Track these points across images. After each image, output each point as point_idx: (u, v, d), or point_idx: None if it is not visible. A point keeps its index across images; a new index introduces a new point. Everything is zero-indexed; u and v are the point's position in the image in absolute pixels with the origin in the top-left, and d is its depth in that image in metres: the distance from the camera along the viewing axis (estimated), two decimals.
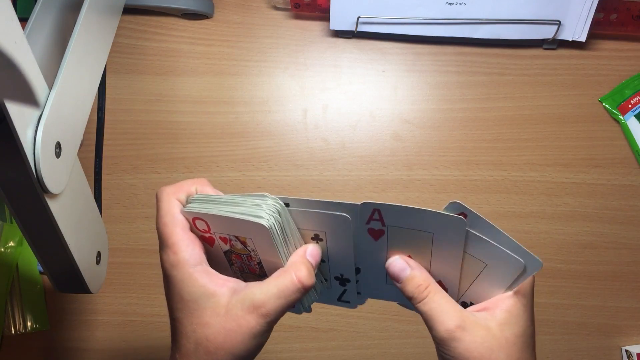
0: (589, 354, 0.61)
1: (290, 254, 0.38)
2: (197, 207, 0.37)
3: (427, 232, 0.36)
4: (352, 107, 0.62)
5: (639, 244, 0.61)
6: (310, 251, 0.37)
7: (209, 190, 0.38)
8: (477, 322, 0.34)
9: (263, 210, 0.36)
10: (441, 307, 0.34)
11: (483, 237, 0.37)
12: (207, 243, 0.38)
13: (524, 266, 0.36)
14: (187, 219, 0.36)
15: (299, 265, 0.35)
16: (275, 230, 0.36)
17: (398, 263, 0.36)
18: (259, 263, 0.39)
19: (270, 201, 0.36)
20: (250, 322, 0.33)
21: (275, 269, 0.37)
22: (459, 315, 0.34)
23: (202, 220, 0.37)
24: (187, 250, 0.34)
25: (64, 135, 0.39)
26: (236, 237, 0.37)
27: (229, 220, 0.36)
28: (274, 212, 0.36)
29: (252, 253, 0.38)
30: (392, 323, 0.60)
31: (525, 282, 0.36)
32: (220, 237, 0.38)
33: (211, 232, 0.38)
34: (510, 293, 0.36)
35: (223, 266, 0.39)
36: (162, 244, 0.35)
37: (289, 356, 0.60)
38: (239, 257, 0.39)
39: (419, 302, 0.35)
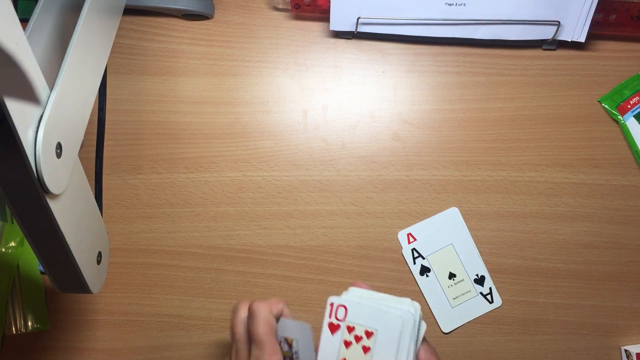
0: (588, 354, 0.61)
1: None
2: (349, 299, 0.48)
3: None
4: (352, 108, 0.63)
5: (638, 244, 0.62)
6: None
7: (287, 312, 0.48)
8: None
9: (404, 307, 0.47)
10: None
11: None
12: (329, 329, 0.48)
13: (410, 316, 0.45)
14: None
15: None
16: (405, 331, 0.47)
17: None
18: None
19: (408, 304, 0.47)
20: None
21: None
22: None
23: (344, 308, 0.48)
24: (279, 356, 0.44)
25: (65, 136, 0.39)
26: (366, 330, 0.47)
27: (371, 310, 0.47)
28: (411, 311, 0.47)
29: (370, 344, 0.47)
30: None
31: (430, 349, 0.47)
32: (347, 327, 0.48)
33: (345, 319, 0.48)
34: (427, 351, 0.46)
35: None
36: (261, 345, 0.44)
37: None
38: (349, 343, 0.48)
39: None
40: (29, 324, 0.60)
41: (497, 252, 0.61)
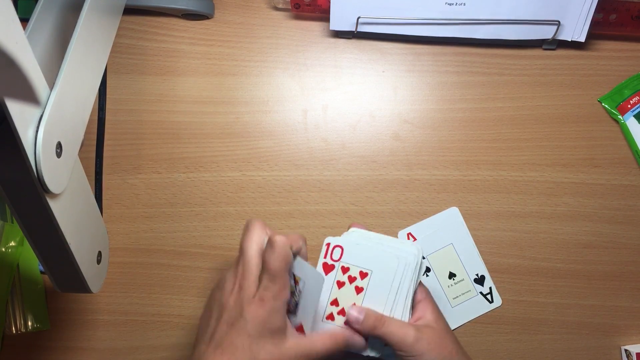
0: (588, 354, 0.61)
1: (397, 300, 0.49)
2: (347, 239, 0.49)
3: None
4: (352, 107, 0.63)
5: (638, 243, 0.62)
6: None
7: (305, 251, 0.48)
8: (423, 326, 0.48)
9: (408, 247, 0.48)
10: (399, 325, 0.47)
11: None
12: (323, 270, 0.50)
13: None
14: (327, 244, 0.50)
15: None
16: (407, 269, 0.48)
17: (354, 309, 0.48)
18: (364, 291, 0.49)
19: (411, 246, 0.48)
20: None
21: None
22: (412, 326, 0.47)
23: (340, 248, 0.49)
24: (287, 291, 0.44)
25: (65, 135, 0.39)
26: (361, 271, 0.48)
27: (368, 250, 0.48)
28: (415, 254, 0.48)
29: (364, 285, 0.49)
30: None
31: (424, 290, 0.50)
32: (342, 267, 0.49)
33: (340, 260, 0.49)
34: (426, 302, 0.49)
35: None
36: (274, 278, 0.43)
37: None
38: (342, 284, 0.49)
39: (382, 326, 0.47)
40: (29, 323, 0.60)
41: (497, 252, 0.61)
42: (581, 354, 0.61)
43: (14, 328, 0.59)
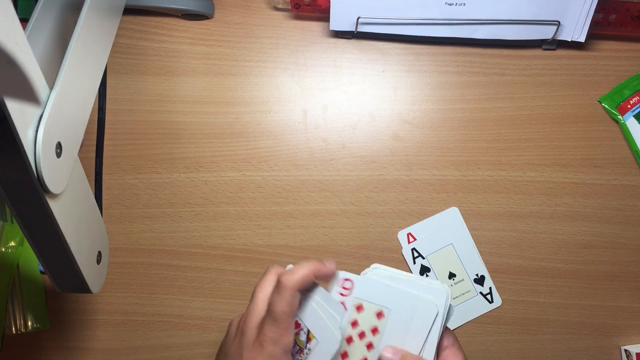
0: (588, 354, 0.61)
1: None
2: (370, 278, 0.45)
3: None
4: (352, 107, 0.63)
5: (638, 244, 0.62)
6: None
7: (324, 270, 0.45)
8: None
9: (435, 287, 0.43)
10: None
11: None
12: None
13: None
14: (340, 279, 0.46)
15: None
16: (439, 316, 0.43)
17: (388, 350, 0.44)
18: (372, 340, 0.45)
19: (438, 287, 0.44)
20: None
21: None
22: None
23: (350, 281, 0.45)
24: (290, 337, 0.42)
25: (65, 135, 0.39)
26: (379, 310, 0.44)
27: (389, 289, 0.44)
28: (443, 296, 0.43)
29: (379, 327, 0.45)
30: None
31: (451, 336, 0.46)
32: (356, 305, 0.45)
33: (351, 295, 0.45)
34: (454, 351, 0.45)
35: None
36: (275, 321, 0.41)
37: None
38: (355, 324, 0.45)
39: None
40: (29, 323, 0.60)
41: (497, 252, 0.61)
42: (581, 354, 0.61)
43: (14, 328, 0.59)
